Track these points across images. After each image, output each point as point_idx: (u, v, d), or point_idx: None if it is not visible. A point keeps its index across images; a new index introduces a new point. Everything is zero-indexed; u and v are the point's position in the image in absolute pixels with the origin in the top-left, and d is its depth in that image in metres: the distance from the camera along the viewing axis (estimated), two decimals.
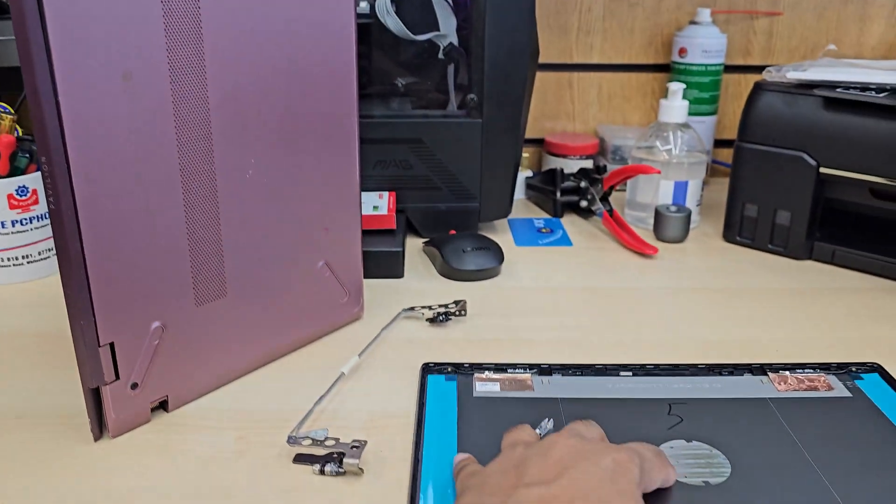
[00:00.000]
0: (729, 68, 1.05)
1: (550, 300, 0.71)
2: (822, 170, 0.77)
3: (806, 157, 0.78)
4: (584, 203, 0.91)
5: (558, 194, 0.92)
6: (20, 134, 0.75)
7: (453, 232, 0.81)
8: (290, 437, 0.48)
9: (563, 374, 0.56)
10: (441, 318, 0.65)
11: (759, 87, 0.82)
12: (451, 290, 0.73)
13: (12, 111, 0.75)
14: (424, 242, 0.81)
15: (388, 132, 0.80)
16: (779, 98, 0.80)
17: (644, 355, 0.60)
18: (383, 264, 0.73)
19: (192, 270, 0.51)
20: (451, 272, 0.75)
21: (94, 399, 0.49)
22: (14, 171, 0.72)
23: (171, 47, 0.46)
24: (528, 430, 0.46)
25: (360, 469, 0.46)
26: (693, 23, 1.00)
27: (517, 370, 0.57)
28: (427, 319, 0.65)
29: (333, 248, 0.61)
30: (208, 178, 0.50)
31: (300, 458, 0.47)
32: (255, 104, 0.52)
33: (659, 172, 0.82)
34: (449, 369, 0.57)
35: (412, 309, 0.66)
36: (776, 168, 0.80)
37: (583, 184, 0.91)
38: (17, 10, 0.40)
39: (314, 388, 0.55)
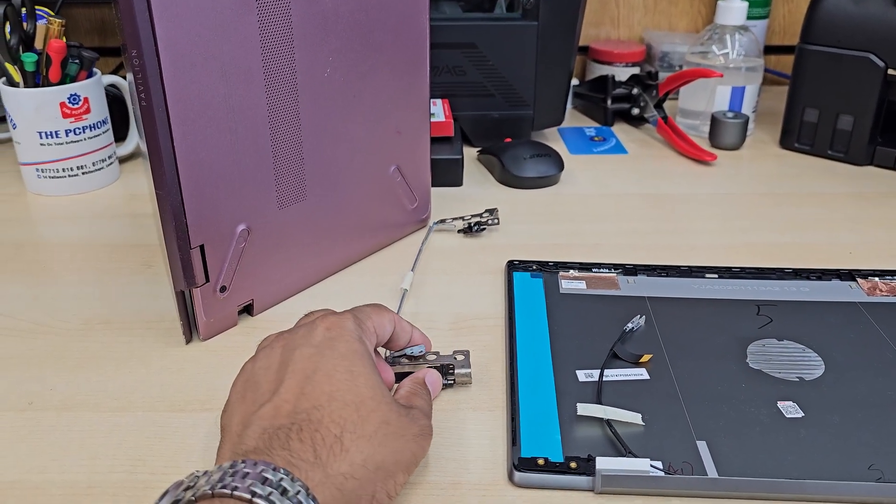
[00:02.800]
0: None
1: (613, 206, 0.70)
2: (891, 71, 0.75)
3: (873, 58, 0.75)
4: (635, 111, 0.89)
5: (609, 102, 0.90)
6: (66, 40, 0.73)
7: (509, 140, 0.79)
8: (387, 357, 0.46)
9: (648, 275, 0.56)
10: (475, 228, 0.63)
11: None
12: (511, 198, 0.72)
13: (52, 13, 0.72)
14: (480, 150, 0.80)
15: (442, 36, 0.78)
16: None
17: (717, 259, 0.60)
18: (443, 172, 0.72)
19: (274, 172, 0.50)
20: (511, 179, 0.74)
21: (184, 302, 0.49)
22: (64, 79, 0.70)
23: None
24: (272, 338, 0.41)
25: (470, 378, 0.46)
26: None
27: (602, 269, 0.57)
28: (458, 231, 0.64)
29: (404, 151, 0.60)
30: (289, 75, 0.49)
31: (401, 378, 0.44)
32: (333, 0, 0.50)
33: (721, 76, 0.79)
34: (534, 267, 0.57)
35: (442, 221, 0.65)
36: (840, 70, 0.78)
37: (635, 91, 0.89)
38: None
39: (392, 295, 0.55)
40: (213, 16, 0.43)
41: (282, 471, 0.30)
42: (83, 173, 0.72)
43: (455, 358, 0.46)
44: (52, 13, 0.71)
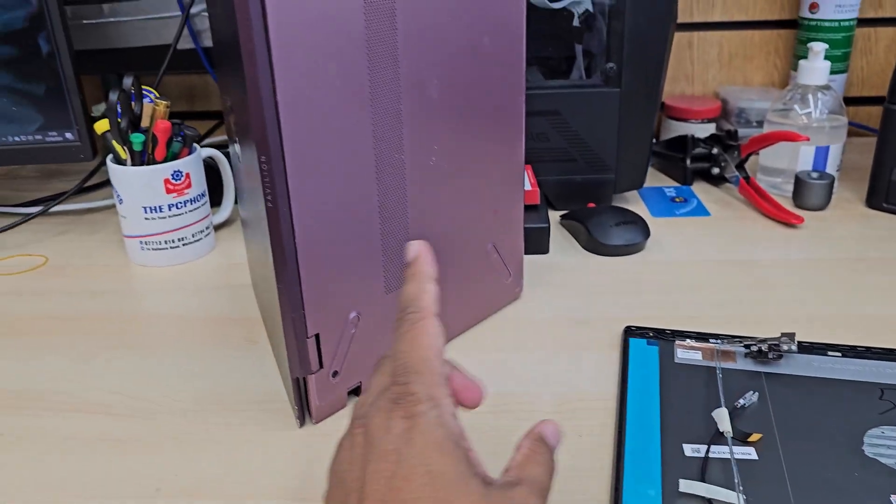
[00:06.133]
0: (859, 21, 1.00)
1: (703, 274, 0.70)
2: None
3: None
4: (716, 170, 0.89)
5: (689, 161, 0.90)
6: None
7: (592, 205, 0.80)
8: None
9: (768, 350, 0.56)
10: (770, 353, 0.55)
11: None
12: (598, 265, 0.72)
13: (157, 95, 0.76)
14: (563, 216, 0.81)
15: (526, 105, 0.79)
16: None
17: (820, 333, 0.59)
18: (530, 241, 0.73)
19: (383, 260, 0.52)
20: (597, 247, 0.74)
21: (299, 388, 0.50)
22: (167, 156, 0.73)
23: (370, 37, 0.46)
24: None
25: None
26: None
27: (719, 341, 0.57)
28: (746, 355, 0.56)
29: (500, 229, 0.61)
30: (398, 169, 0.50)
31: None
32: (440, 90, 0.51)
33: (808, 139, 0.79)
34: (650, 334, 0.58)
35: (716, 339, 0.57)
36: None
37: (715, 150, 0.89)
38: (243, 18, 0.40)
39: (496, 370, 0.56)
40: (335, 120, 0.45)
41: None
42: (184, 245, 0.75)
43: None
44: (157, 93, 0.75)
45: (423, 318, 0.37)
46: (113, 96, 0.69)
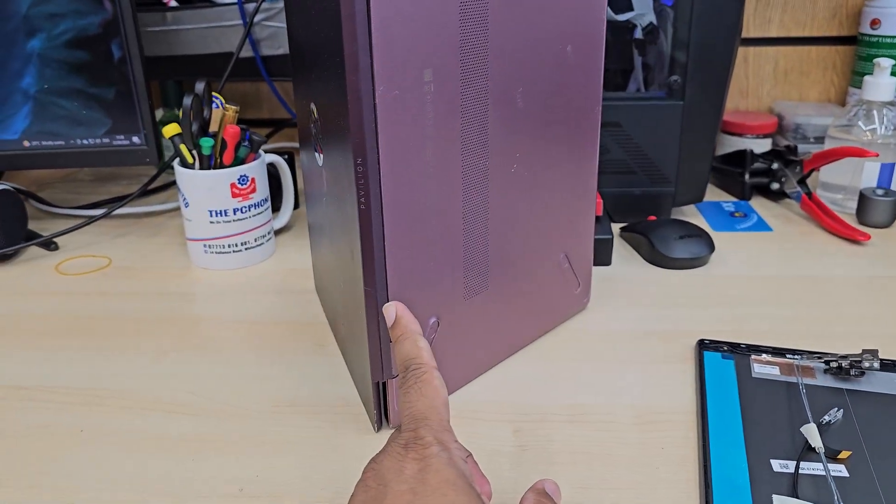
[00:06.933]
0: None
1: (769, 289, 0.69)
2: None
3: None
4: (775, 185, 0.88)
5: (747, 176, 0.89)
6: None
7: (653, 217, 0.79)
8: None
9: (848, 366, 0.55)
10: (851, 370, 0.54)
11: None
12: (662, 278, 0.72)
13: (224, 101, 0.77)
14: (624, 228, 0.80)
15: None
16: None
17: (894, 351, 0.58)
18: (594, 252, 0.73)
19: (464, 266, 0.52)
20: (661, 259, 0.74)
21: (377, 392, 0.50)
22: (235, 161, 0.74)
23: (464, 45, 0.46)
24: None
25: None
26: None
27: (797, 356, 0.56)
28: (825, 371, 0.55)
29: (572, 238, 0.61)
30: (482, 176, 0.50)
31: None
32: (524, 98, 0.52)
33: (877, 155, 0.78)
34: (725, 348, 0.57)
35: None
36: None
37: (775, 165, 0.88)
38: (348, 21, 0.40)
39: (569, 380, 0.56)
40: (427, 125, 0.45)
41: None
42: (246, 249, 0.76)
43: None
44: (223, 99, 0.75)
45: (426, 372, 0.40)
46: (187, 101, 0.70)
